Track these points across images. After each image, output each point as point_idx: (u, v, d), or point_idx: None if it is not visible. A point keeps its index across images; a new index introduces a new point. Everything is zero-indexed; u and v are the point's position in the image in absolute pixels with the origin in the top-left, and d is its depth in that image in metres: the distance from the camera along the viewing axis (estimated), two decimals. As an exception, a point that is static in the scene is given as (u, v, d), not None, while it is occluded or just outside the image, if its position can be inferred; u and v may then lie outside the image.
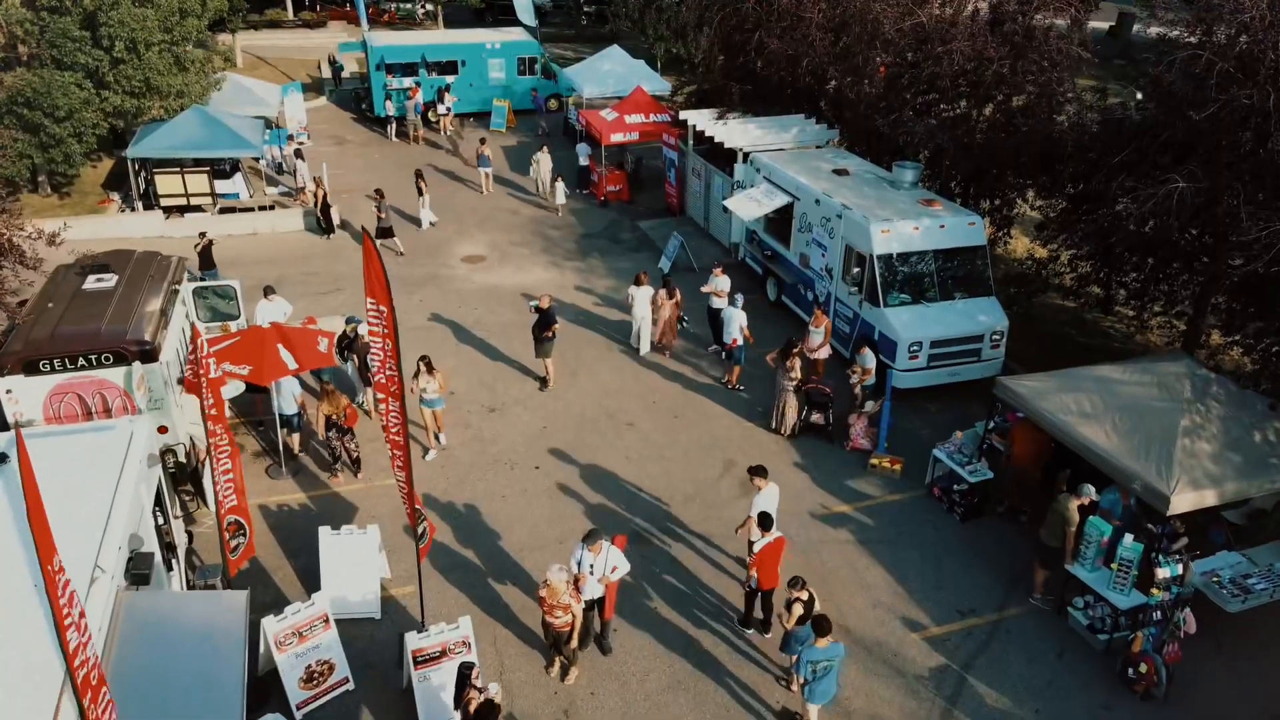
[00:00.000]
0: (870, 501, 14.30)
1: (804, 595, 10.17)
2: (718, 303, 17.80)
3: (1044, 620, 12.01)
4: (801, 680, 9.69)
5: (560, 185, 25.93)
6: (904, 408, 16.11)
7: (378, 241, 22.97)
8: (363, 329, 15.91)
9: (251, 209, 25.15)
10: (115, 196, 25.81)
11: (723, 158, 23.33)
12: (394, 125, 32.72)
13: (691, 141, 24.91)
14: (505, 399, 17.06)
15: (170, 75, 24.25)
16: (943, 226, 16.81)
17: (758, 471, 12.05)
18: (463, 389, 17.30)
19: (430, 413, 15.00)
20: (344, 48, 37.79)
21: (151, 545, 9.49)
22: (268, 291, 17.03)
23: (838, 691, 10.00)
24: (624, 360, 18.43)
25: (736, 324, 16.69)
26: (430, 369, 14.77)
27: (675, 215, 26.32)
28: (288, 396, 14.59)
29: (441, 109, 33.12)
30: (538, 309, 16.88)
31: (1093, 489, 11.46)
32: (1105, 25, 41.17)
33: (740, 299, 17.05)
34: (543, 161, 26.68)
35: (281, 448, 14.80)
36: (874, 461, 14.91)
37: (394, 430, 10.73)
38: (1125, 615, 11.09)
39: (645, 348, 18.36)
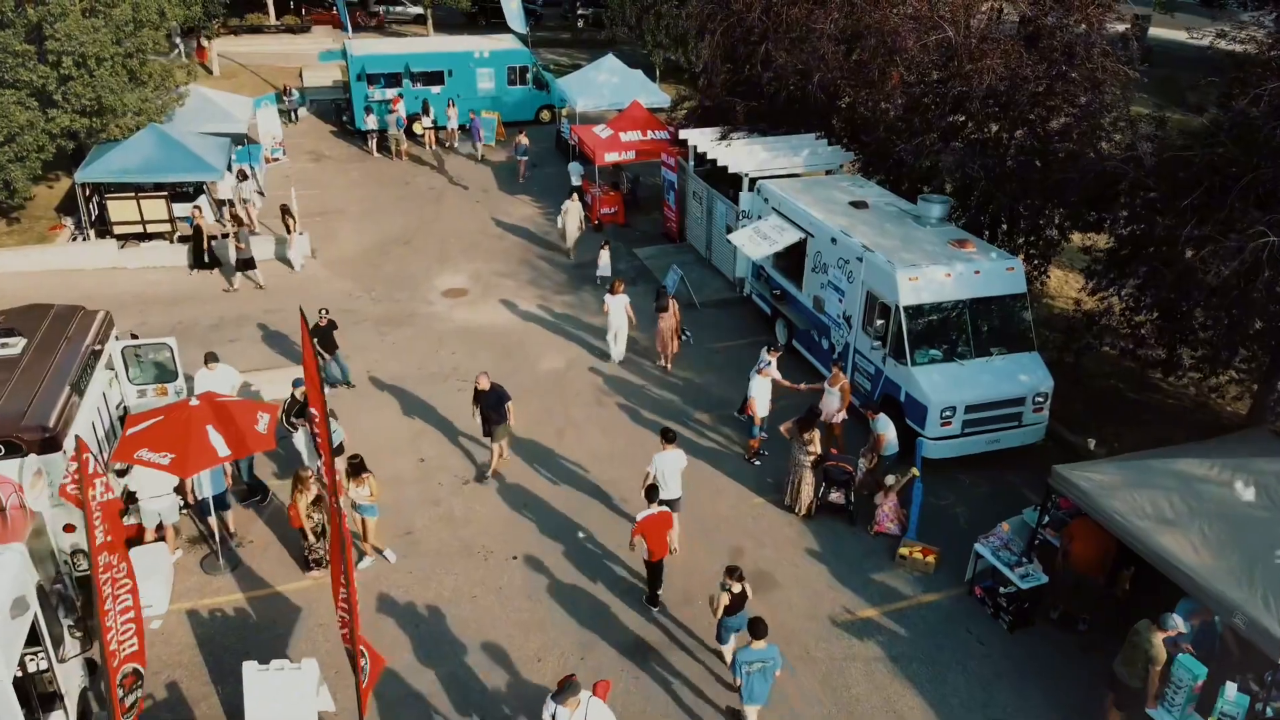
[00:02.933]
0: (901, 604, 12.28)
1: (735, 588, 10.13)
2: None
3: (1119, 772, 10.02)
4: (737, 681, 9.65)
5: (606, 254, 21.17)
6: (933, 479, 14.11)
7: (237, 274, 20.97)
8: (316, 394, 13.91)
9: (215, 236, 23.10)
10: (68, 222, 23.80)
11: (726, 181, 21.34)
12: (375, 139, 30.67)
13: (692, 162, 22.91)
14: (483, 468, 15.04)
15: (124, 92, 22.20)
16: (978, 272, 14.78)
17: (664, 435, 12.68)
18: (433, 455, 15.30)
19: (362, 520, 12.62)
20: (324, 57, 35.76)
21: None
22: (209, 359, 14.54)
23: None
24: (618, 417, 16.41)
25: (766, 395, 14.71)
26: (358, 473, 12.34)
27: (674, 242, 24.30)
28: (214, 472, 12.45)
29: (427, 121, 31.13)
30: (476, 396, 14.14)
31: (1180, 620, 9.46)
32: (1120, 28, 39.18)
33: (772, 363, 15.02)
34: (571, 211, 22.58)
35: (217, 534, 12.78)
36: (903, 552, 12.88)
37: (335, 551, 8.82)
38: (1223, 777, 9.10)
39: (618, 356, 18.01)
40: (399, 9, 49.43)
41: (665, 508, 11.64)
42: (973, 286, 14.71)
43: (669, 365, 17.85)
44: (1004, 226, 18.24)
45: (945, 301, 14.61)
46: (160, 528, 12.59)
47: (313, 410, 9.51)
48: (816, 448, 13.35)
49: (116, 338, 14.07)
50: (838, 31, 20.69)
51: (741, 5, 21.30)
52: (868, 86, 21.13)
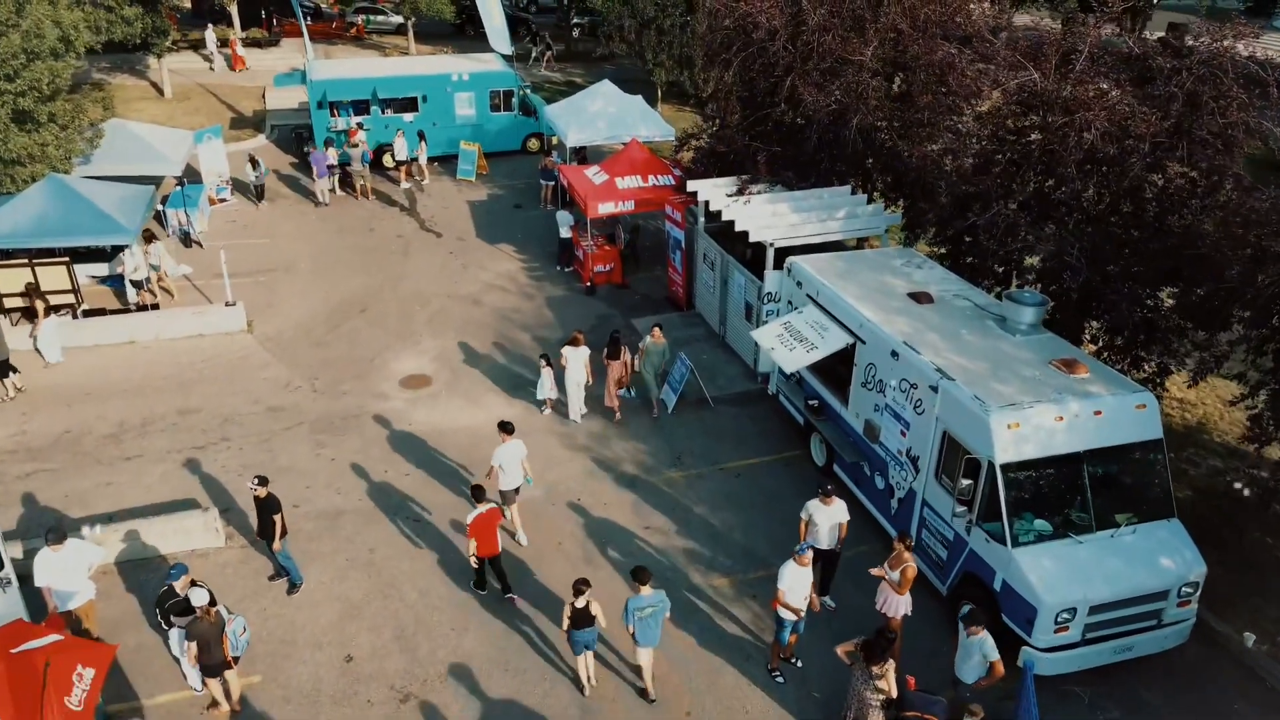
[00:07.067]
0: None
1: (578, 603, 10.07)
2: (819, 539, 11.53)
3: None
4: (630, 629, 10.10)
5: (548, 375, 16.27)
6: (1040, 694, 10.24)
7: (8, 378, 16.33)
8: (197, 596, 10.04)
9: (128, 309, 19.25)
10: (-43, 290, 19.90)
11: (744, 242, 17.49)
12: (336, 176, 26.66)
13: (702, 219, 19.05)
14: (430, 671, 11.17)
15: (13, 136, 18.32)
16: (1098, 412, 10.91)
17: (502, 426, 13.04)
18: (366, 650, 11.43)
19: None
20: (280, 80, 31.84)
21: None
22: (53, 537, 10.37)
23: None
24: (617, 586, 12.43)
25: (801, 587, 10.57)
26: None
27: (681, 309, 20.44)
28: None
29: (399, 154, 27.21)
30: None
31: None
32: (1154, 36, 35.22)
33: (806, 548, 10.56)
34: (652, 352, 16.33)
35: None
36: (1018, 841, 9.05)
37: None
38: None
39: (577, 414, 16.28)
40: (380, 19, 45.55)
41: (493, 504, 11.80)
42: (1093, 433, 10.84)
43: (618, 415, 16.44)
44: (1101, 323, 14.27)
45: (1057, 455, 10.75)
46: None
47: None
48: (890, 686, 9.47)
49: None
50: (878, 64, 16.88)
51: (763, 34, 17.43)
52: (917, 127, 17.37)
